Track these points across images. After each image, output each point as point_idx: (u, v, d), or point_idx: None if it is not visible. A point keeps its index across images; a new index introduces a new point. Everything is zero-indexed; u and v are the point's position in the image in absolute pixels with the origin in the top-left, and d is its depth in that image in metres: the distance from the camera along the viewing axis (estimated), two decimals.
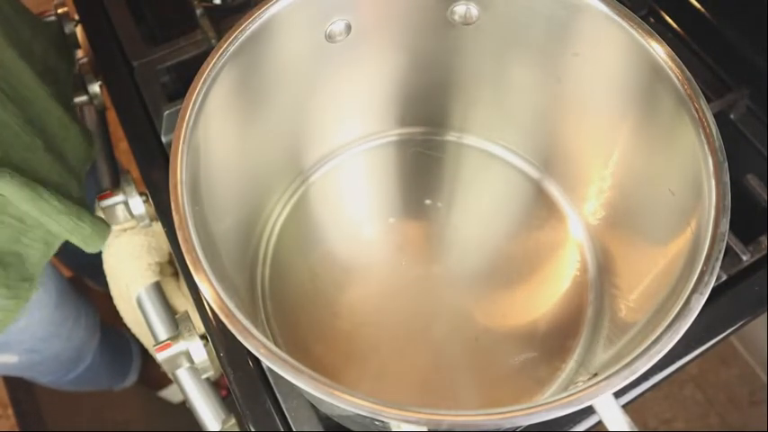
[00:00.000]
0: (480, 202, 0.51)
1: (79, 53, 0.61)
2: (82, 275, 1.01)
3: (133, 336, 0.64)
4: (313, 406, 0.41)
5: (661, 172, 0.39)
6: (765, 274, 0.45)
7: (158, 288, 0.52)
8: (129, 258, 0.53)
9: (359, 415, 0.28)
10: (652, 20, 0.59)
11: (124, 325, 0.62)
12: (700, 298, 0.31)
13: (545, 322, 0.46)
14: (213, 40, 0.56)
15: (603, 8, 0.39)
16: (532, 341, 0.45)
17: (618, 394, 0.30)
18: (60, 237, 0.51)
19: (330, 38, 0.43)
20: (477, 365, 0.45)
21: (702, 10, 0.57)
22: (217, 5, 0.60)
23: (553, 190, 0.51)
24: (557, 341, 0.45)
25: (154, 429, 1.00)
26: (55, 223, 0.48)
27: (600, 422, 0.38)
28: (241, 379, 0.42)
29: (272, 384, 0.42)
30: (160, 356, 0.43)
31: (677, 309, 0.31)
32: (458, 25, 0.45)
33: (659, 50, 0.37)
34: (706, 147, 0.34)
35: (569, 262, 0.48)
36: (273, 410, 0.41)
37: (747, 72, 0.54)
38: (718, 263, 0.32)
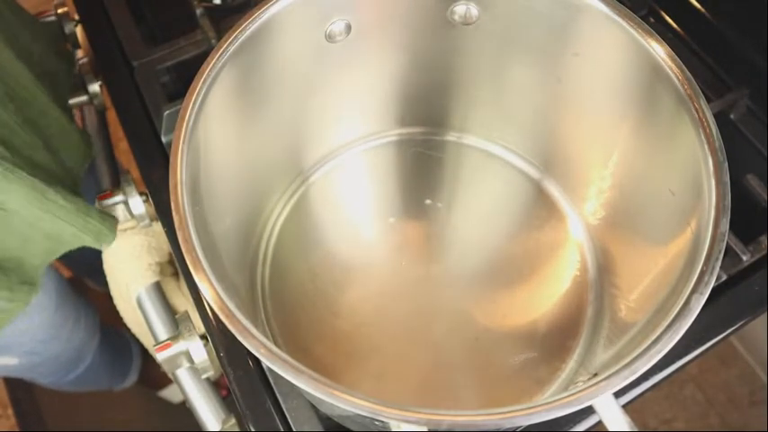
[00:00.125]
0: (480, 202, 0.51)
1: (79, 53, 0.61)
2: (82, 276, 1.01)
3: (133, 336, 0.64)
4: (313, 406, 0.41)
5: (661, 172, 0.39)
6: (765, 274, 0.45)
7: (158, 288, 0.52)
8: (129, 258, 0.53)
9: (359, 415, 0.28)
10: (652, 20, 0.59)
11: (124, 325, 0.62)
12: (700, 298, 0.31)
13: (545, 322, 0.46)
14: (213, 40, 0.56)
15: (603, 8, 0.39)
16: (532, 341, 0.45)
17: (618, 394, 0.30)
18: (69, 243, 0.51)
19: (330, 38, 0.43)
20: (477, 365, 0.45)
21: (702, 10, 0.57)
22: (217, 5, 0.60)
23: (553, 190, 0.51)
24: (557, 341, 0.45)
25: (154, 429, 1.00)
26: (64, 223, 0.48)
27: (600, 422, 0.38)
28: (241, 379, 0.42)
29: (272, 384, 0.42)
30: (160, 356, 0.43)
31: (677, 309, 0.31)
32: (458, 25, 0.45)
33: (659, 50, 0.37)
34: (706, 147, 0.34)
35: (569, 262, 0.48)
36: (273, 410, 0.41)
37: (747, 72, 0.54)
38: (718, 263, 0.32)
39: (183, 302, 0.53)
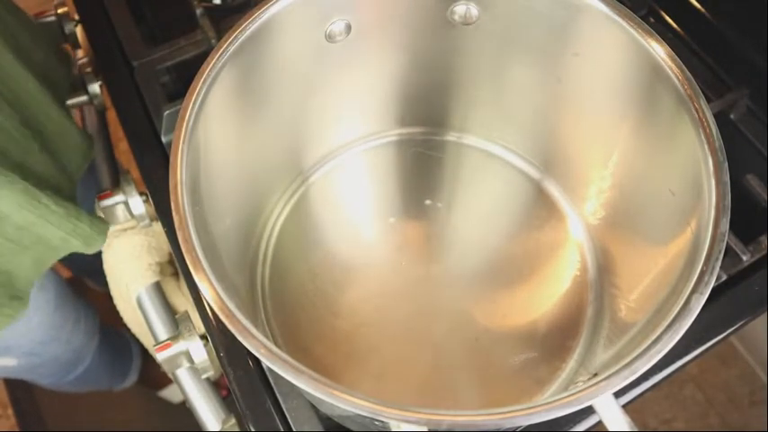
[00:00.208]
0: (480, 202, 0.51)
1: (79, 53, 0.61)
2: (82, 276, 1.01)
3: (133, 336, 0.64)
4: (313, 406, 0.41)
5: (661, 172, 0.39)
6: (765, 274, 0.45)
7: (158, 288, 0.52)
8: (129, 258, 0.53)
9: (359, 415, 0.28)
10: (652, 20, 0.59)
11: (124, 325, 0.62)
12: (700, 298, 0.31)
13: (545, 322, 0.46)
14: (213, 40, 0.56)
15: (603, 8, 0.39)
16: (532, 341, 0.45)
17: (618, 394, 0.30)
18: (58, 248, 0.51)
19: (330, 38, 0.43)
20: (477, 365, 0.45)
21: (702, 10, 0.57)
22: (217, 5, 0.60)
23: (553, 190, 0.51)
24: (557, 341, 0.45)
25: (154, 429, 0.99)
26: (54, 228, 0.48)
27: (600, 422, 0.38)
28: (241, 379, 0.42)
29: (272, 384, 0.42)
30: (160, 356, 0.43)
31: (677, 309, 0.31)
32: (458, 25, 0.45)
33: (659, 50, 0.37)
34: (706, 147, 0.34)
35: (569, 262, 0.48)
36: (273, 410, 0.41)
37: (747, 72, 0.54)
38: (718, 263, 0.32)
39: (183, 302, 0.53)
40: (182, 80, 0.59)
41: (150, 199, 0.50)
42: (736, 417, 0.97)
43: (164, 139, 0.52)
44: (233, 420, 0.44)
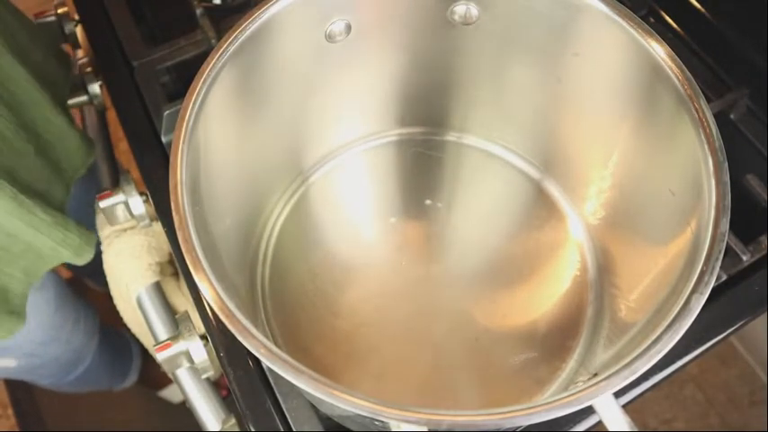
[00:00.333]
0: (480, 202, 0.51)
1: (79, 53, 0.61)
2: (81, 276, 1.01)
3: (133, 336, 0.64)
4: (313, 406, 0.41)
5: (661, 172, 0.39)
6: (765, 274, 0.45)
7: (158, 288, 0.52)
8: (129, 258, 0.53)
9: (359, 415, 0.28)
10: (652, 20, 0.59)
11: (124, 325, 0.62)
12: (700, 298, 0.31)
13: (545, 322, 0.46)
14: (213, 40, 0.56)
15: (603, 8, 0.39)
16: (532, 341, 0.45)
17: (618, 394, 0.30)
18: (48, 258, 0.51)
19: (330, 38, 0.43)
20: (477, 365, 0.45)
21: (702, 10, 0.57)
22: (217, 5, 0.60)
23: (553, 190, 0.51)
24: (557, 341, 0.45)
25: (154, 429, 0.99)
26: (44, 237, 0.48)
27: (600, 422, 0.38)
28: (241, 379, 0.42)
29: (272, 384, 0.42)
30: (160, 356, 0.43)
31: (677, 309, 0.31)
32: (458, 25, 0.45)
33: (659, 50, 0.37)
34: (706, 147, 0.34)
35: (569, 262, 0.48)
36: (273, 410, 0.41)
37: (747, 72, 0.54)
38: (718, 263, 0.32)
39: (183, 302, 0.53)
40: (182, 80, 0.59)
41: (150, 199, 0.50)
42: (736, 417, 0.97)
43: (164, 139, 0.52)
44: (233, 420, 0.44)
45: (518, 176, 0.52)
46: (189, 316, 0.45)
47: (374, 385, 0.44)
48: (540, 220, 0.50)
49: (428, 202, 0.51)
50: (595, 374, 0.30)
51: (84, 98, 0.58)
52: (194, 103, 0.36)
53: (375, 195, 0.52)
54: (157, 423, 1.00)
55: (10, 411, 1.03)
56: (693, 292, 0.31)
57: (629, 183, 0.43)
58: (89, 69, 0.59)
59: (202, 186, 0.36)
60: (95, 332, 0.77)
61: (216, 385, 0.48)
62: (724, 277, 0.45)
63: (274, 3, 0.39)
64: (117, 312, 0.60)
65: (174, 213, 0.33)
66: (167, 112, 0.51)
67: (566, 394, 0.29)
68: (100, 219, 0.55)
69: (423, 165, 0.53)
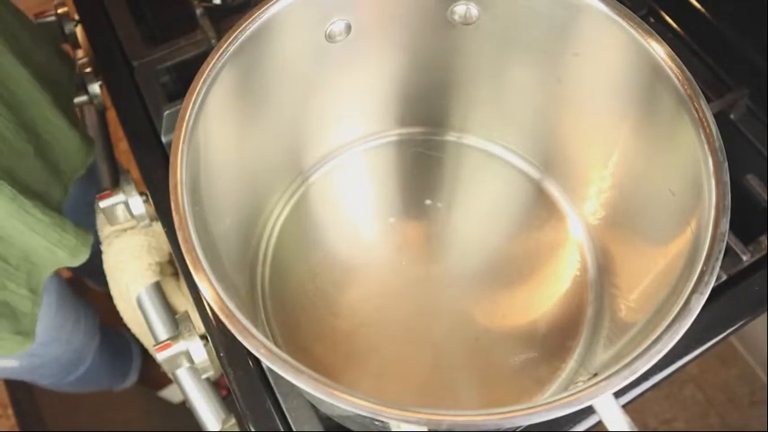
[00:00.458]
0: (480, 202, 0.51)
1: (79, 53, 0.61)
2: (82, 276, 1.01)
3: (133, 336, 0.64)
4: (313, 406, 0.41)
5: (661, 172, 0.39)
6: (765, 274, 0.45)
7: (158, 288, 0.52)
8: (129, 258, 0.53)
9: (359, 415, 0.28)
10: (652, 20, 0.59)
11: (124, 325, 0.62)
12: (700, 298, 0.31)
13: (545, 322, 0.46)
14: (213, 40, 0.56)
15: (603, 8, 0.39)
16: (532, 341, 0.45)
17: (618, 394, 0.30)
18: (44, 260, 0.51)
19: (330, 38, 0.43)
20: (477, 365, 0.45)
21: (702, 10, 0.57)
22: (217, 5, 0.60)
23: (553, 190, 0.51)
24: (557, 341, 0.45)
25: (154, 429, 0.99)
26: (39, 237, 0.48)
27: (600, 422, 0.38)
28: (241, 379, 0.42)
29: (272, 384, 0.42)
30: (160, 356, 0.43)
31: (677, 309, 0.31)
32: (458, 25, 0.45)
33: (659, 50, 0.37)
34: (706, 147, 0.34)
35: (569, 262, 0.48)
36: (273, 410, 0.41)
37: (747, 72, 0.54)
38: (718, 263, 0.32)
39: (183, 302, 0.53)
40: (182, 80, 0.59)
41: (150, 199, 0.50)
42: (736, 417, 0.97)
43: (164, 139, 0.52)
44: (233, 420, 0.44)
45: (518, 176, 0.52)
46: (189, 316, 0.45)
47: (374, 385, 0.44)
48: (540, 220, 0.50)
49: (428, 202, 0.51)
50: (595, 374, 0.30)
51: (84, 98, 0.58)
52: (194, 103, 0.36)
53: (375, 195, 0.52)
54: (157, 423, 1.00)
55: (10, 411, 1.03)
56: (693, 292, 0.31)
57: (629, 183, 0.43)
58: (89, 69, 0.59)
59: (202, 186, 0.36)
60: (96, 332, 0.77)
61: (216, 385, 0.48)
62: (724, 277, 0.45)
63: (274, 3, 0.39)
64: (117, 312, 0.60)
65: (174, 213, 0.33)
66: (167, 112, 0.51)
67: (566, 394, 0.29)
68: (100, 219, 0.55)
69: (423, 165, 0.53)
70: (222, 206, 0.40)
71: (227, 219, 0.41)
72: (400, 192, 0.52)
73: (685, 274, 0.32)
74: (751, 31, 0.54)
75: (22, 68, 0.49)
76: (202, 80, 0.37)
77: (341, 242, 0.50)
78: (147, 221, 0.53)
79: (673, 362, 0.43)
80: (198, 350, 0.43)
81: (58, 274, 0.66)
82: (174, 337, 0.44)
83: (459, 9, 0.44)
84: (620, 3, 0.39)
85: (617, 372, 0.29)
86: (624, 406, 0.33)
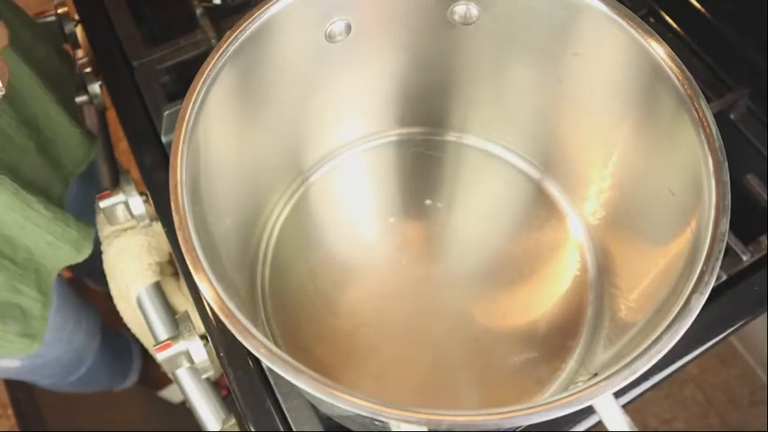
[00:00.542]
0: (480, 202, 0.51)
1: (79, 53, 0.61)
2: (82, 276, 1.01)
3: (133, 336, 0.64)
4: (313, 406, 0.41)
5: (661, 172, 0.39)
6: (765, 274, 0.45)
7: (158, 288, 0.52)
8: (129, 258, 0.53)
9: (359, 415, 0.28)
10: (652, 20, 0.59)
11: (124, 325, 0.62)
12: (700, 298, 0.31)
13: (545, 322, 0.46)
14: (213, 40, 0.56)
15: (603, 8, 0.39)
16: (532, 341, 0.45)
17: (618, 394, 0.30)
18: (49, 261, 0.51)
19: (330, 38, 0.43)
20: (477, 365, 0.45)
21: (702, 10, 0.57)
22: (217, 5, 0.60)
23: (553, 190, 0.51)
24: (557, 341, 0.45)
25: (154, 429, 0.99)
26: (43, 231, 0.48)
27: (600, 422, 0.38)
28: (241, 379, 0.42)
29: (272, 384, 0.42)
30: (160, 356, 0.43)
31: (677, 309, 0.31)
32: (458, 25, 0.45)
33: (659, 50, 0.37)
34: (706, 147, 0.34)
35: (569, 262, 0.48)
36: (273, 410, 0.41)
37: (747, 72, 0.54)
38: (718, 263, 0.32)
39: (183, 302, 0.53)
40: (182, 80, 0.59)
41: (150, 199, 0.50)
42: (736, 417, 0.97)
43: (164, 139, 0.52)
44: (233, 420, 0.44)
45: (518, 176, 0.52)
46: (189, 316, 0.45)
47: (374, 385, 0.44)
48: (540, 220, 0.50)
49: (428, 202, 0.51)
50: (595, 374, 0.30)
51: (84, 98, 0.58)
52: (194, 103, 0.36)
53: (375, 195, 0.52)
54: (157, 423, 1.00)
55: (10, 411, 1.03)
56: (693, 292, 0.31)
57: (629, 183, 0.43)
58: (89, 69, 0.59)
59: (202, 186, 0.36)
60: (97, 332, 0.77)
61: (216, 385, 0.48)
62: (724, 277, 0.45)
63: (274, 3, 0.39)
64: (117, 312, 0.60)
65: (174, 213, 0.33)
66: (167, 112, 0.51)
67: (566, 394, 0.29)
68: (100, 219, 0.55)
69: (423, 165, 0.53)
70: (222, 206, 0.40)
71: (227, 219, 0.41)
72: (400, 192, 0.52)
73: (685, 274, 0.32)
74: (751, 31, 0.54)
75: (24, 65, 0.49)
76: (202, 80, 0.37)
77: (341, 242, 0.50)
78: (147, 221, 0.53)
79: (673, 362, 0.43)
80: (198, 350, 0.43)
81: (58, 273, 0.66)
82: (174, 337, 0.44)
83: (459, 9, 0.44)
84: (620, 3, 0.39)
85: (617, 372, 0.29)
86: (624, 406, 0.33)
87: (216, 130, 0.39)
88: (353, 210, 0.52)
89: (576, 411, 0.29)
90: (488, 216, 0.51)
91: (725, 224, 0.32)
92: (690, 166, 0.35)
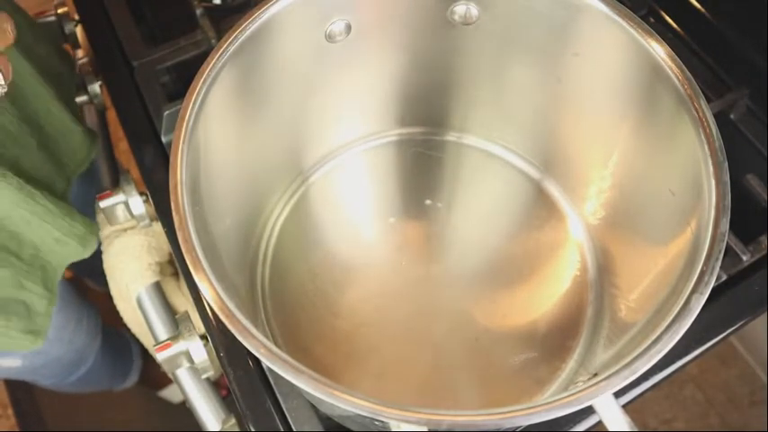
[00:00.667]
0: (480, 202, 0.51)
1: (79, 53, 0.61)
2: (82, 276, 1.01)
3: (133, 336, 0.64)
4: (313, 406, 0.41)
5: (661, 172, 0.39)
6: (765, 274, 0.45)
7: (158, 288, 0.52)
8: (129, 258, 0.53)
9: (359, 415, 0.28)
10: (652, 20, 0.59)
11: (124, 325, 0.62)
12: (700, 298, 0.31)
13: (545, 322, 0.46)
14: (213, 40, 0.56)
15: (603, 8, 0.39)
16: (532, 341, 0.45)
17: (618, 394, 0.30)
18: (55, 257, 0.51)
19: (330, 38, 0.43)
20: (477, 365, 0.45)
21: (702, 10, 0.57)
22: (217, 5, 0.60)
23: (553, 190, 0.51)
24: (557, 341, 0.45)
25: (154, 429, 0.99)
26: (49, 226, 0.48)
27: (600, 422, 0.38)
28: (241, 379, 0.42)
29: (272, 384, 0.42)
30: (160, 356, 0.43)
31: (677, 309, 0.31)
32: (458, 25, 0.45)
33: (659, 50, 0.37)
34: (706, 147, 0.34)
35: (569, 262, 0.48)
36: (273, 410, 0.41)
37: (747, 72, 0.54)
38: (718, 263, 0.32)
39: (183, 302, 0.53)
40: (182, 80, 0.59)
41: (150, 199, 0.50)
42: (736, 417, 0.97)
43: (164, 139, 0.52)
44: (233, 420, 0.44)
45: (518, 176, 0.52)
46: (189, 316, 0.45)
47: (374, 385, 0.44)
48: (540, 220, 0.50)
49: (428, 202, 0.51)
50: (595, 374, 0.30)
51: (84, 98, 0.58)
52: (194, 103, 0.36)
53: (375, 195, 0.52)
54: (157, 423, 1.00)
55: (10, 411, 1.03)
56: (693, 292, 0.31)
57: (629, 183, 0.43)
58: (89, 69, 0.59)
59: (202, 186, 0.36)
60: (98, 332, 0.77)
61: (216, 385, 0.48)
62: (724, 277, 0.45)
63: (274, 3, 0.39)
64: (117, 312, 0.60)
65: (174, 213, 0.33)
66: (167, 112, 0.51)
67: (566, 394, 0.29)
68: (100, 219, 0.55)
69: (423, 165, 0.53)
70: (222, 206, 0.40)
71: (227, 219, 0.41)
72: (400, 192, 0.52)
73: (685, 274, 0.32)
74: (751, 31, 0.54)
75: (25, 62, 0.49)
76: (202, 80, 0.37)
77: (341, 242, 0.50)
78: (147, 221, 0.53)
79: (673, 362, 0.43)
80: (198, 350, 0.43)
81: None
82: (174, 337, 0.44)
83: (459, 9, 0.44)
84: (620, 3, 0.39)
85: (617, 372, 0.29)
86: (624, 406, 0.33)
87: (216, 130, 0.39)
88: (353, 210, 0.52)
89: (576, 411, 0.29)
90: (488, 216, 0.51)
91: (725, 224, 0.32)
92: (690, 166, 0.35)
